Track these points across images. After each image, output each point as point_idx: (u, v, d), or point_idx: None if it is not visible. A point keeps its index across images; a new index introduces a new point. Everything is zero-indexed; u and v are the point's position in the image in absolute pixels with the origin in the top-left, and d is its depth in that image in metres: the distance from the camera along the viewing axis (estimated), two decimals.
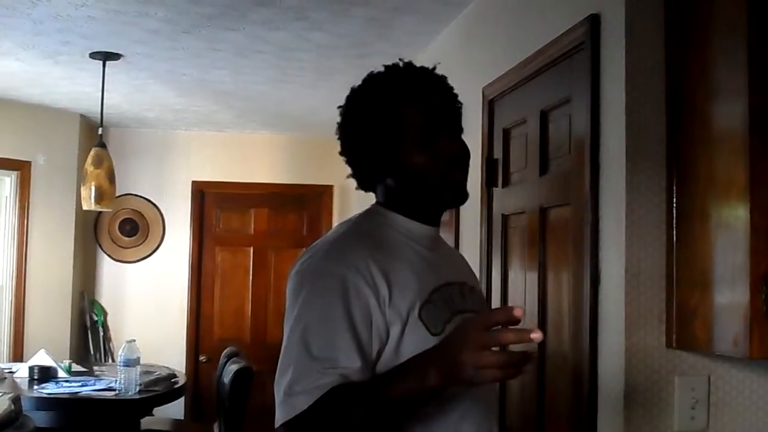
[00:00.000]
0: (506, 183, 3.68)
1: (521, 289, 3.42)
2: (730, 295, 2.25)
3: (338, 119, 2.08)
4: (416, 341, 1.85)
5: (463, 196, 2.06)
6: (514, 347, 1.68)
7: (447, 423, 1.91)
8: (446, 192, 2.02)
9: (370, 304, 1.84)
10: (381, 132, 1.98)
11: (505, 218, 3.67)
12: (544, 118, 3.25)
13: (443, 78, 2.08)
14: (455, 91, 2.09)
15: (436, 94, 2.03)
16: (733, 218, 2.25)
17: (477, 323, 1.59)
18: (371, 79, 2.06)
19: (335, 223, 8.12)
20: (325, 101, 6.49)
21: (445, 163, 1.99)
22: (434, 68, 2.08)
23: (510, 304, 3.58)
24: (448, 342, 1.62)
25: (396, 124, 1.97)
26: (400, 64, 2.06)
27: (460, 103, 2.10)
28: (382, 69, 2.06)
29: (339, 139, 2.08)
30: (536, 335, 1.53)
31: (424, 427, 1.87)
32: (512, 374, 1.60)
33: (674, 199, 2.53)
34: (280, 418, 1.79)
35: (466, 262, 2.32)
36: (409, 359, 1.71)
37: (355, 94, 2.06)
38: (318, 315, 1.83)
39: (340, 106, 2.08)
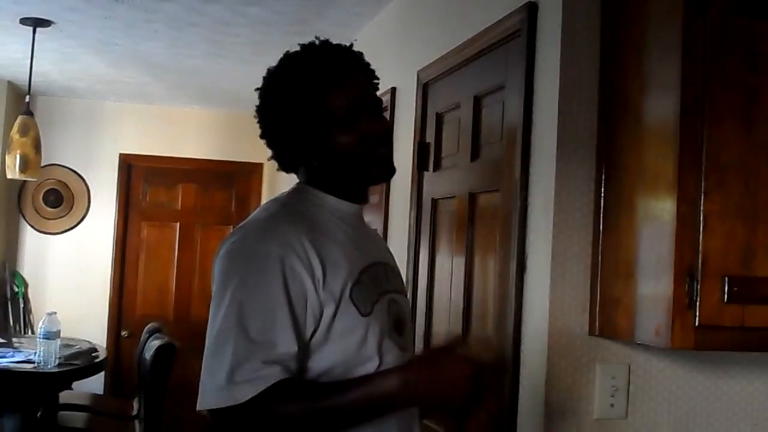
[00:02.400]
0: (437, 167, 3.68)
1: (448, 273, 3.43)
2: (653, 286, 2.28)
3: (256, 102, 2.07)
4: (347, 322, 1.88)
5: (391, 171, 2.07)
6: None
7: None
8: (374, 169, 2.03)
9: (306, 285, 1.84)
10: (303, 114, 1.97)
11: (434, 202, 3.68)
12: (477, 103, 3.26)
13: (360, 55, 2.09)
14: (380, 66, 2.11)
15: (355, 73, 2.04)
16: (659, 210, 2.28)
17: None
18: (288, 59, 2.05)
19: (264, 201, 8.08)
20: (259, 78, 6.34)
21: (370, 142, 1.99)
22: (351, 45, 2.08)
23: (436, 289, 3.58)
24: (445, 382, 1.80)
25: (318, 106, 1.97)
26: (317, 42, 2.05)
27: (378, 79, 2.11)
28: (298, 49, 2.05)
29: (258, 122, 2.06)
30: None
31: None
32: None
33: (602, 190, 2.56)
34: (213, 403, 1.78)
35: (385, 243, 2.35)
36: (388, 379, 1.83)
37: (273, 76, 2.05)
38: (255, 296, 1.83)
39: (257, 89, 2.06)
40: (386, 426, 1.92)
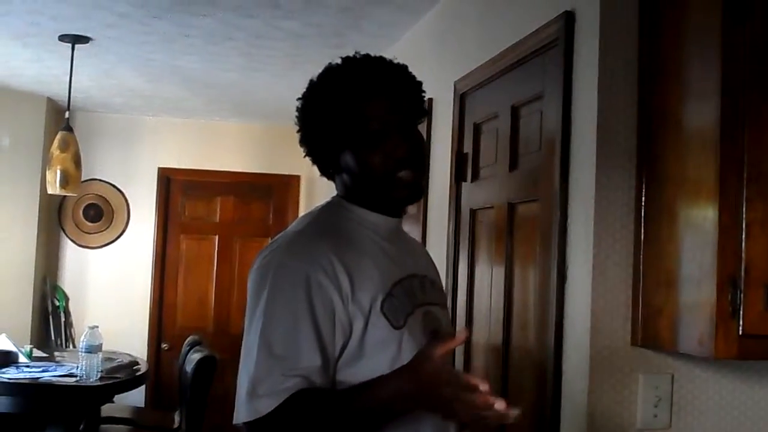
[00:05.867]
0: (475, 177, 3.67)
1: (488, 283, 3.43)
2: (696, 295, 2.26)
3: (297, 111, 2.09)
4: (379, 335, 1.89)
5: (416, 195, 2.07)
6: None
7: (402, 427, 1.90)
8: (397, 192, 2.02)
9: (333, 300, 1.85)
10: (334, 127, 1.98)
11: (473, 213, 3.67)
12: (515, 113, 3.25)
13: (402, 68, 2.07)
14: (419, 79, 2.08)
15: (390, 91, 2.01)
16: (701, 218, 2.26)
17: (451, 379, 1.71)
18: (327, 71, 2.05)
19: (302, 213, 8.09)
20: (295, 90, 6.34)
21: (394, 164, 1.98)
22: (391, 61, 2.06)
23: (476, 299, 3.58)
24: (430, 391, 1.72)
25: (349, 121, 1.96)
26: (357, 56, 2.05)
27: (423, 91, 2.09)
28: (339, 62, 2.05)
29: (298, 130, 2.07)
30: (500, 406, 1.69)
31: None
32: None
33: (643, 198, 2.54)
34: (241, 417, 1.83)
35: (428, 255, 2.34)
36: (382, 386, 1.80)
37: (313, 86, 2.06)
38: (280, 312, 1.85)
39: (299, 98, 2.07)
40: (422, 428, 1.92)
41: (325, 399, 1.83)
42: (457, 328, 3.59)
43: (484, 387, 1.67)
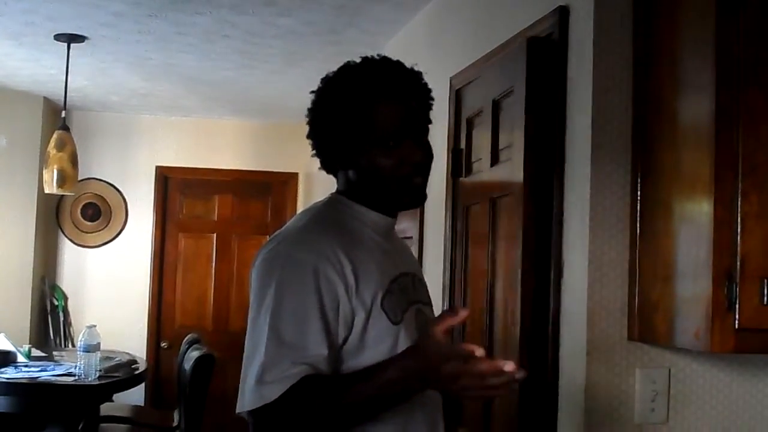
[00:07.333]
0: (469, 172, 3.67)
1: (485, 278, 3.41)
2: (692, 289, 2.26)
3: (309, 104, 2.08)
4: (379, 329, 1.92)
5: (421, 200, 2.09)
6: None
7: (393, 423, 1.92)
8: (405, 196, 2.05)
9: (339, 292, 1.88)
10: (349, 126, 1.99)
11: (467, 208, 3.66)
12: (496, 107, 3.25)
13: (418, 74, 2.07)
14: (429, 86, 2.09)
15: (407, 96, 2.03)
16: (696, 212, 2.26)
17: (451, 354, 1.72)
18: (346, 69, 2.05)
19: (299, 210, 8.09)
20: (292, 88, 6.47)
21: (407, 169, 2.01)
22: (412, 68, 2.07)
23: (471, 296, 3.57)
24: (426, 368, 1.74)
25: (364, 122, 1.98)
26: (377, 57, 2.05)
27: (432, 99, 2.10)
28: (358, 60, 2.05)
29: (308, 123, 2.08)
30: (509, 367, 1.67)
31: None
32: (494, 394, 1.78)
33: (638, 193, 2.54)
34: (247, 404, 1.83)
35: (412, 254, 2.36)
36: (383, 369, 1.81)
37: (328, 83, 2.06)
38: (290, 302, 1.86)
39: (312, 91, 2.07)
40: (414, 423, 1.96)
41: (329, 383, 1.85)
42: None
43: (479, 352, 1.68)
